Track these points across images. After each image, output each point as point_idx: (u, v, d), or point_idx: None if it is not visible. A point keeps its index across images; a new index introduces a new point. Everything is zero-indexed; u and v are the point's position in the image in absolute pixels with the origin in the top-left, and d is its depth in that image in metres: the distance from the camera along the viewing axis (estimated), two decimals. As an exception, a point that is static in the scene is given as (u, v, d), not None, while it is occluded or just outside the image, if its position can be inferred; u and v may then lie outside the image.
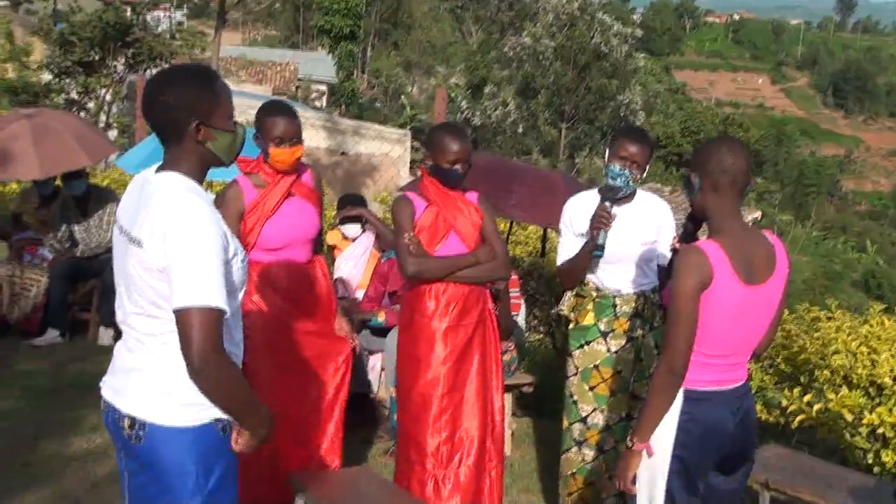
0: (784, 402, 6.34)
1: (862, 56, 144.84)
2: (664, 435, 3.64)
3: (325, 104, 48.21)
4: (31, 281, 8.67)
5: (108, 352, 3.19)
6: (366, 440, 6.69)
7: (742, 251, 3.59)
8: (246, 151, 5.15)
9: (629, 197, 5.17)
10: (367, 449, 6.60)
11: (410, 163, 24.66)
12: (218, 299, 2.85)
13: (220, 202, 4.83)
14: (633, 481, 3.70)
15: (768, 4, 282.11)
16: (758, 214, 33.07)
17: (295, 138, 4.93)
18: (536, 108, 40.83)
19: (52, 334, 8.55)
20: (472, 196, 5.19)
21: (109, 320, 8.50)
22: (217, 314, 2.85)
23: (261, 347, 4.87)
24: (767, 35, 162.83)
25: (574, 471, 5.29)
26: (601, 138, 42.61)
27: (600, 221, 4.95)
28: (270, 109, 5.00)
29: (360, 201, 7.64)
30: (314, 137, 22.27)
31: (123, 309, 3.09)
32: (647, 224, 5.14)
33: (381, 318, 6.73)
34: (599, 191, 5.21)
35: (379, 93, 55.87)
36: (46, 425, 6.45)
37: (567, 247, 5.25)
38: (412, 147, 25.51)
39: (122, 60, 21.28)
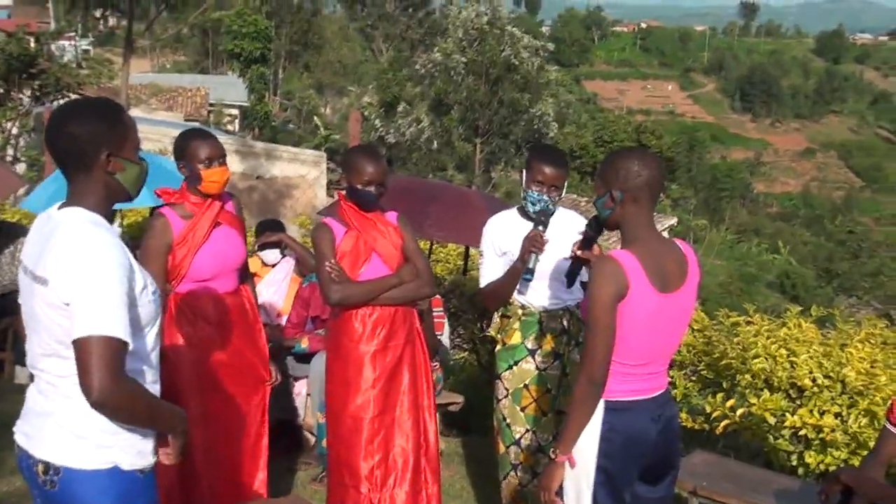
0: (708, 409, 6.42)
1: (766, 59, 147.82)
2: (586, 446, 3.66)
3: (237, 128, 47.93)
4: (-57, 322, 8.46)
5: (25, 391, 3.14)
6: (292, 468, 6.62)
7: (655, 260, 3.64)
8: (166, 183, 5.13)
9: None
10: (294, 477, 6.53)
11: (327, 184, 24.57)
12: (119, 330, 2.82)
13: (147, 236, 4.81)
14: (559, 494, 3.72)
15: (675, 13, 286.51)
16: (674, 221, 33.58)
17: (222, 158, 4.92)
18: (450, 124, 40.80)
19: (-34, 376, 8.36)
20: (392, 216, 5.18)
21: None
22: (118, 344, 2.81)
23: (190, 381, 4.82)
24: (674, 42, 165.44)
25: (515, 495, 5.28)
26: (516, 151, 42.74)
27: (534, 246, 4.90)
28: (192, 134, 4.99)
29: (279, 226, 7.59)
30: (228, 162, 22.07)
31: (33, 352, 3.05)
32: (566, 240, 5.13)
33: (304, 343, 6.69)
34: (524, 213, 5.19)
35: (292, 115, 55.70)
36: (-36, 470, 6.29)
37: (490, 268, 5.25)
38: (328, 168, 25.43)
39: (28, 92, 20.93)
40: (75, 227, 2.94)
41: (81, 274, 2.84)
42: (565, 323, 5.22)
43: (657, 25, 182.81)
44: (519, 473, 5.23)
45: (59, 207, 3.05)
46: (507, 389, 5.25)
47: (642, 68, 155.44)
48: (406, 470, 5.12)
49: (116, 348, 2.81)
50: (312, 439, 6.71)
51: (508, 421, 5.24)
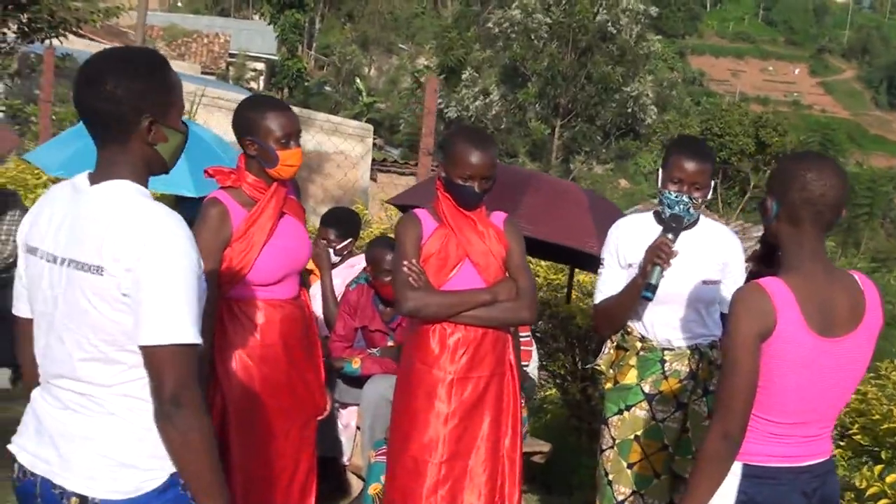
0: (859, 483, 6.30)
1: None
2: (716, 521, 3.62)
3: (262, 86, 48.07)
4: None
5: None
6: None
7: (817, 295, 3.57)
8: (205, 159, 5.03)
9: (690, 224, 5.10)
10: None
11: (372, 164, 24.54)
12: (194, 334, 2.93)
13: (200, 227, 4.64)
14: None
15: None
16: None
17: (299, 135, 4.86)
18: (525, 100, 40.86)
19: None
20: (498, 218, 5.15)
21: (6, 359, 8.36)
22: (192, 351, 2.94)
23: (240, 409, 4.77)
24: (807, 15, 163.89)
25: None
26: (603, 139, 42.69)
27: (658, 256, 4.84)
28: (265, 104, 4.90)
29: (353, 220, 7.54)
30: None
31: (61, 356, 3.07)
32: (709, 259, 5.10)
33: (355, 364, 6.63)
34: (660, 218, 5.12)
35: (329, 74, 55.78)
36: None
37: (609, 280, 5.19)
38: (374, 145, 25.42)
39: (14, 27, 20.98)
40: (134, 205, 2.99)
41: (154, 267, 2.90)
42: (694, 365, 5.14)
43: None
44: None
45: (93, 180, 3.08)
46: (613, 438, 5.20)
47: (763, 45, 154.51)
48: None
49: (191, 355, 2.95)
50: (359, 484, 6.68)
51: (611, 477, 5.18)
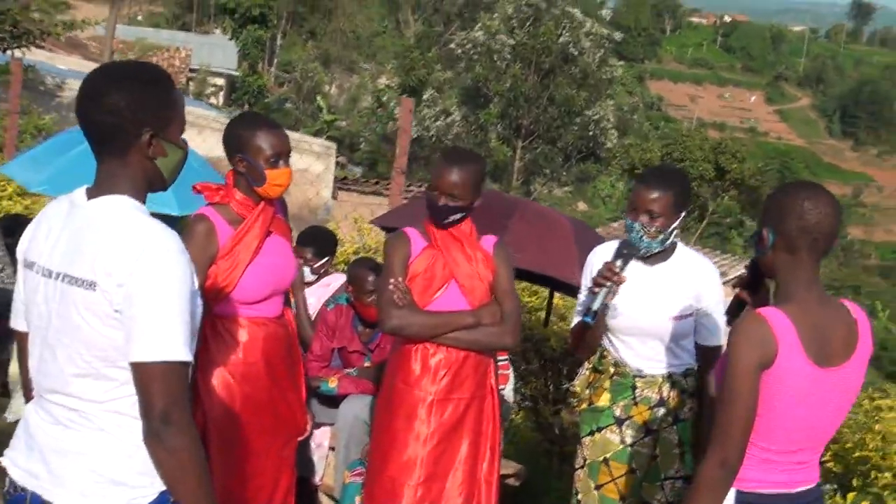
0: (830, 510, 6.33)
1: (879, 74, 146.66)
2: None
3: (221, 102, 47.89)
4: None
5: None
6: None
7: (815, 325, 3.59)
8: (195, 178, 5.02)
9: (663, 254, 5.09)
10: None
11: (334, 183, 24.47)
12: (184, 352, 2.94)
13: (186, 242, 4.63)
14: None
15: (768, 6, 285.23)
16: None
17: (289, 155, 4.86)
18: (487, 121, 40.91)
19: None
20: (488, 242, 5.14)
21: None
22: (183, 369, 2.94)
23: (220, 427, 4.77)
24: (764, 43, 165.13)
25: None
26: (564, 162, 42.78)
27: (599, 279, 4.78)
28: (255, 122, 4.89)
29: (329, 239, 7.51)
30: (209, 142, 22.01)
31: (53, 371, 3.08)
32: (683, 291, 5.07)
33: (332, 383, 6.62)
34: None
35: (290, 91, 55.66)
36: None
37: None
38: (337, 163, 25.37)
39: (-23, 39, 20.84)
40: (128, 220, 3.00)
41: (146, 283, 2.91)
42: (665, 393, 5.17)
43: (744, 20, 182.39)
44: None
45: (91, 195, 3.08)
46: (584, 458, 5.25)
47: (721, 71, 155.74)
48: None
49: (181, 373, 2.95)
50: (330, 504, 6.67)
51: (580, 497, 5.23)
